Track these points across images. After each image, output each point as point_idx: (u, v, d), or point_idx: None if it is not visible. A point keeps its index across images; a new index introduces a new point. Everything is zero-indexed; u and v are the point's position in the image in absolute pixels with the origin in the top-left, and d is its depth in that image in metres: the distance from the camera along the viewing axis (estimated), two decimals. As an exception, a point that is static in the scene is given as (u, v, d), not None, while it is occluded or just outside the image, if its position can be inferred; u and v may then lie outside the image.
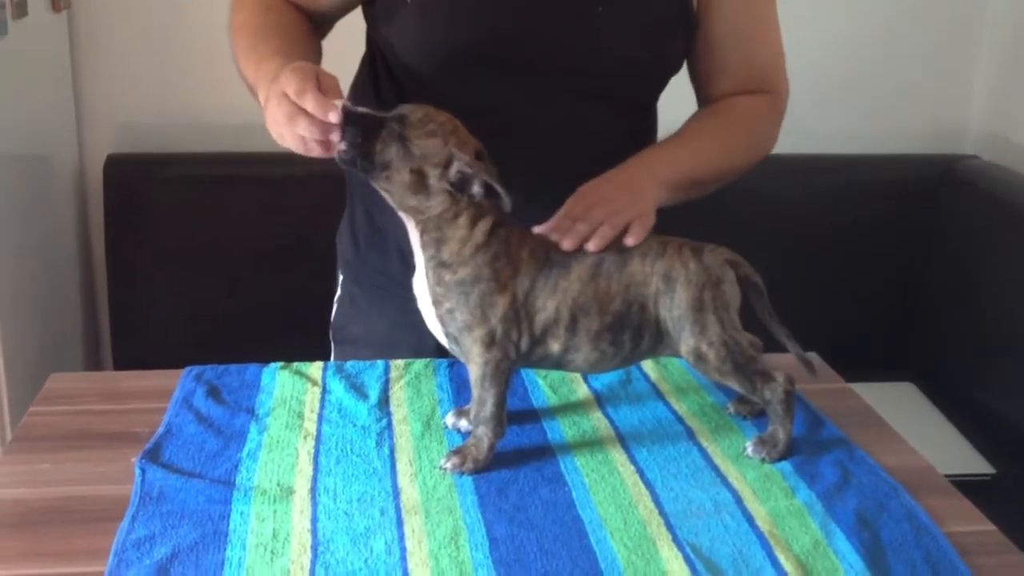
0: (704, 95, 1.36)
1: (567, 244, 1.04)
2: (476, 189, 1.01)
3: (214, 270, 2.27)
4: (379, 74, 1.35)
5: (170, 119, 2.34)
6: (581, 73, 1.25)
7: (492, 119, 1.07)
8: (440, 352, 1.31)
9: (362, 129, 1.01)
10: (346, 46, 1.36)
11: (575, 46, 1.24)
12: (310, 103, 1.00)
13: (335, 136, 1.01)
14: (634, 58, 1.26)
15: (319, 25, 1.32)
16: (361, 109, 1.01)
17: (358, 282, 1.45)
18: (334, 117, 1.00)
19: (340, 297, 1.49)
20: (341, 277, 1.48)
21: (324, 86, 1.03)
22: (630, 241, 1.05)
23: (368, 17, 1.34)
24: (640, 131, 1.38)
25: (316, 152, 1.04)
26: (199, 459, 1.06)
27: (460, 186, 1.01)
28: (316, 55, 1.26)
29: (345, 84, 1.38)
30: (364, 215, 1.42)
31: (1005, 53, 2.44)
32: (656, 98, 1.38)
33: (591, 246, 1.04)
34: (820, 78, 2.46)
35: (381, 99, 1.33)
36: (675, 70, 1.32)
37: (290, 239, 2.23)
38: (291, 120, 1.02)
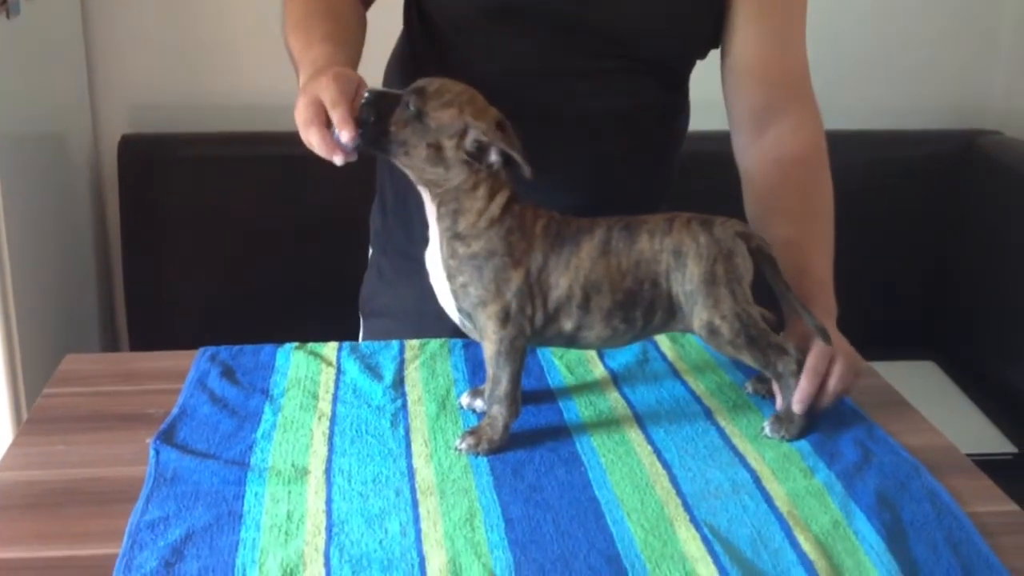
0: (740, 106, 1.32)
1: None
2: (494, 158, 1.01)
3: (229, 250, 2.27)
4: (417, 44, 1.37)
5: (184, 99, 2.33)
6: (614, 33, 1.26)
7: (528, 79, 1.09)
8: None
9: (376, 109, 1.01)
10: (385, 23, 1.37)
11: (612, 5, 1.25)
12: (337, 115, 1.00)
13: (337, 159, 1.01)
14: (662, 24, 1.26)
15: None
16: (379, 89, 1.02)
17: (386, 254, 1.47)
18: (346, 137, 0.99)
19: (369, 270, 1.51)
20: (371, 251, 1.50)
21: (358, 102, 1.03)
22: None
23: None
24: (669, 111, 1.38)
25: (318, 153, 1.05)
26: (213, 440, 1.06)
27: (477, 155, 1.01)
28: (361, 35, 1.26)
29: (381, 61, 1.39)
30: (391, 188, 1.44)
31: (1028, 26, 2.40)
32: (684, 77, 1.37)
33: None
34: (841, 54, 2.44)
35: (420, 69, 1.33)
36: (700, 45, 1.31)
37: (305, 218, 2.23)
38: (306, 127, 1.02)
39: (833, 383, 1.08)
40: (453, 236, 1.03)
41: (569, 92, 1.28)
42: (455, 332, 1.35)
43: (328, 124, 1.01)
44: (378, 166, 1.48)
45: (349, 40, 1.20)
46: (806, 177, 1.28)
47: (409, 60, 1.38)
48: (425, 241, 1.20)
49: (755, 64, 1.30)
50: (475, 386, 1.15)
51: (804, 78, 1.32)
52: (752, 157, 1.31)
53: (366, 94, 1.02)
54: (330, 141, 1.01)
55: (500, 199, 1.02)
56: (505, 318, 1.02)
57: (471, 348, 1.26)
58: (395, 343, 1.29)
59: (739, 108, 1.32)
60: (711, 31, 1.30)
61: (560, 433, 1.09)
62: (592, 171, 1.32)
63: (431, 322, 1.34)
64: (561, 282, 1.03)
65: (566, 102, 1.28)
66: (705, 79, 1.38)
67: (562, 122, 1.27)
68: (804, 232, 1.23)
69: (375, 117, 1.01)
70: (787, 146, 1.28)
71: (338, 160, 1.01)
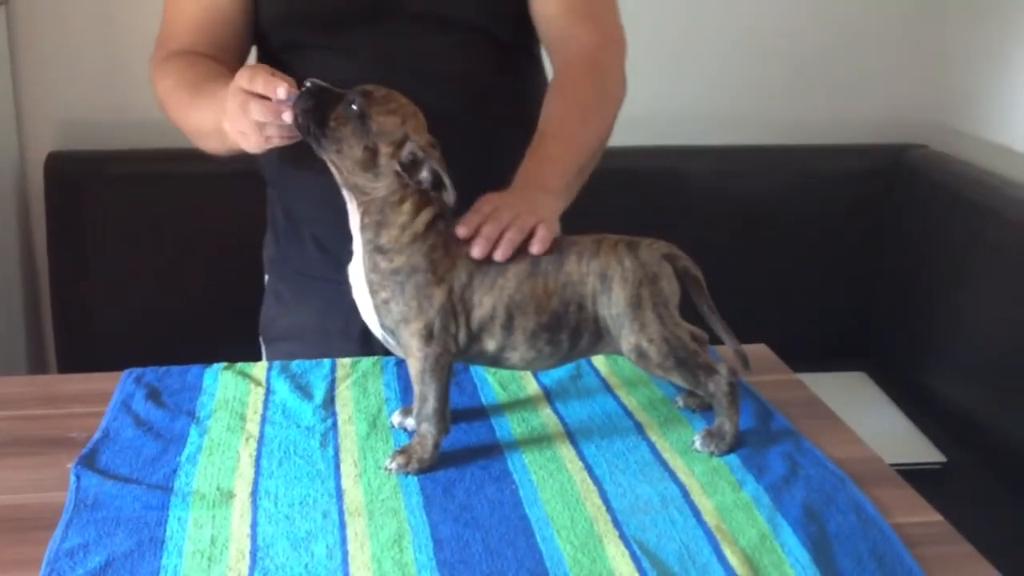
0: (541, 26, 1.35)
1: (476, 252, 1.02)
2: (424, 175, 1.00)
3: (160, 270, 2.23)
4: None
5: (114, 115, 2.29)
6: (433, 8, 1.28)
7: (371, 75, 1.06)
8: (367, 335, 1.32)
9: (317, 100, 1.01)
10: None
11: None
12: (259, 85, 1.02)
13: (287, 116, 1.02)
14: None
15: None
16: (320, 83, 1.02)
17: (282, 277, 1.48)
18: (282, 92, 1.01)
19: (266, 297, 1.51)
20: (267, 278, 1.51)
21: (278, 77, 1.04)
22: (535, 249, 1.03)
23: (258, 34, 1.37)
24: (522, 74, 1.40)
25: (276, 138, 1.07)
26: (136, 464, 1.03)
27: (409, 169, 1.00)
28: None
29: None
30: (282, 210, 1.45)
31: (952, 42, 2.45)
32: (520, 36, 1.38)
33: (498, 255, 1.02)
34: (769, 70, 2.47)
35: None
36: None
37: (238, 237, 2.18)
38: (243, 108, 1.04)
39: (488, 228, 1.04)
40: (375, 249, 1.02)
41: (417, 74, 1.26)
42: (361, 348, 1.35)
43: (262, 98, 1.03)
44: (268, 195, 1.49)
45: None
46: (577, 78, 1.30)
47: None
48: (319, 253, 1.19)
49: None
50: (407, 404, 1.14)
51: (596, 6, 1.35)
52: (553, 67, 1.35)
53: (308, 84, 1.02)
54: (271, 104, 1.02)
55: (425, 215, 1.02)
56: (429, 336, 1.01)
57: (403, 366, 1.25)
58: (326, 362, 1.28)
59: (544, 31, 1.36)
60: None
61: (492, 451, 1.08)
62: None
63: (335, 339, 1.34)
64: (485, 301, 1.02)
65: (418, 85, 1.22)
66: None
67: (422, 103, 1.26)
68: (558, 122, 1.25)
69: (312, 106, 1.01)
70: (575, 57, 1.31)
71: (287, 117, 1.02)
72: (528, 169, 1.18)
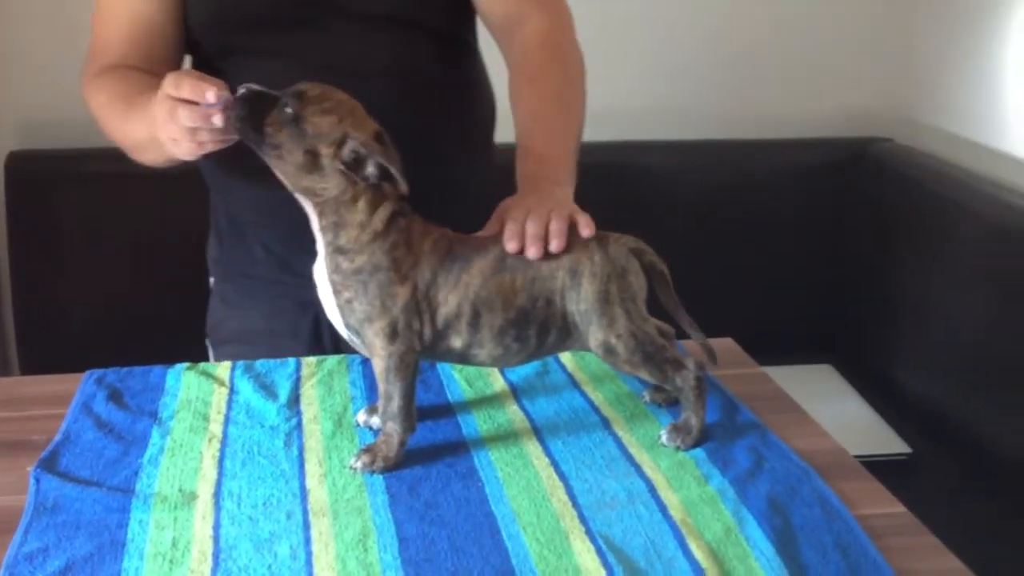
0: (490, 17, 1.35)
1: (532, 253, 1.01)
2: (371, 170, 0.99)
3: (123, 268, 2.20)
4: None
5: (74, 114, 2.22)
6: (367, 6, 1.27)
7: (306, 77, 1.05)
8: (317, 335, 1.35)
9: (250, 106, 1.00)
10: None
11: None
12: (186, 89, 1.01)
13: (217, 119, 1.01)
14: None
15: None
16: (255, 87, 1.01)
17: (228, 279, 1.47)
18: (211, 96, 1.00)
19: (212, 299, 1.50)
20: (212, 280, 1.50)
21: (206, 81, 1.03)
22: (586, 232, 1.03)
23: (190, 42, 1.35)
24: (461, 68, 1.39)
25: (209, 143, 1.05)
26: (97, 466, 1.02)
27: (354, 166, 0.99)
28: None
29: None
30: (225, 214, 1.43)
31: (917, 36, 2.47)
32: (457, 27, 1.37)
33: (553, 247, 1.02)
34: (733, 65, 2.48)
35: None
36: None
37: (201, 236, 2.17)
38: (172, 115, 1.03)
39: (532, 226, 1.04)
40: (336, 250, 1.02)
41: (349, 75, 1.22)
42: (309, 349, 1.34)
43: (190, 103, 1.02)
44: (211, 197, 1.47)
45: None
46: (543, 64, 1.29)
47: None
48: (266, 255, 1.16)
49: None
50: (373, 403, 1.14)
51: None
52: (508, 55, 1.33)
53: (242, 90, 1.00)
54: (200, 108, 1.01)
55: (383, 213, 1.01)
56: (393, 334, 1.01)
57: (369, 364, 1.24)
58: (291, 361, 1.27)
59: (490, 19, 1.35)
60: None
61: (458, 448, 1.08)
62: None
63: (284, 341, 1.33)
64: (450, 299, 1.01)
65: (358, 78, 1.20)
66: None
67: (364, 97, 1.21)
68: (540, 114, 1.25)
69: (247, 113, 0.99)
70: (531, 41, 1.30)
71: (218, 121, 1.01)
72: (531, 169, 1.18)
